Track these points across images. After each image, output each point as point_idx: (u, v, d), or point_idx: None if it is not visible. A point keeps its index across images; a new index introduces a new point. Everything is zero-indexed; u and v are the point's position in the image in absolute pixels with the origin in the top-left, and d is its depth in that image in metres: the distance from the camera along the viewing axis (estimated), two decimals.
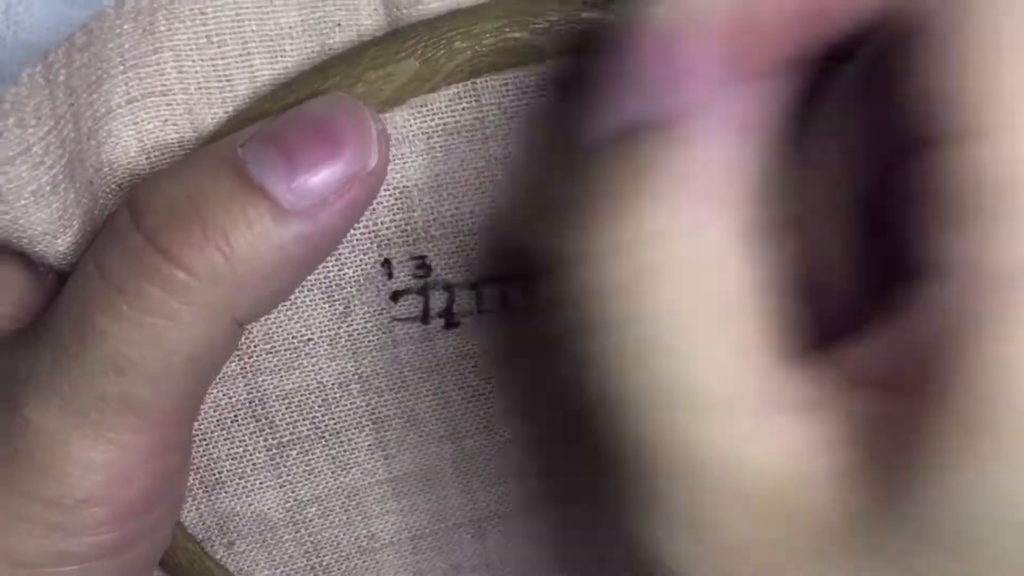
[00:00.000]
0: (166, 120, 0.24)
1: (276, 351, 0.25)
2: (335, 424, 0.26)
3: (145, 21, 0.23)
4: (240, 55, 0.24)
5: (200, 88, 0.24)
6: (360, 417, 0.26)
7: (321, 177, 0.22)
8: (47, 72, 0.21)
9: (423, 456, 0.27)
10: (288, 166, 0.21)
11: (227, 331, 0.22)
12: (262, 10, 0.24)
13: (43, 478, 0.22)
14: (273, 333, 0.25)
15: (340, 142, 0.22)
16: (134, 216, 0.21)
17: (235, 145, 0.22)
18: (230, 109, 0.24)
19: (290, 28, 0.24)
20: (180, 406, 0.23)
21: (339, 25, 0.24)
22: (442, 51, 0.23)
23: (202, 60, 0.23)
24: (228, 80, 0.24)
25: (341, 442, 0.27)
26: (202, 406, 0.25)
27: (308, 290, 0.25)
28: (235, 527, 0.27)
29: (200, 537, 0.27)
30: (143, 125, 0.23)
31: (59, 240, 0.22)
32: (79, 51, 0.21)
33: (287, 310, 0.25)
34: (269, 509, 0.27)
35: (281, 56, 0.24)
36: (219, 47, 0.24)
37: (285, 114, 0.22)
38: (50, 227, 0.22)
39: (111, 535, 0.23)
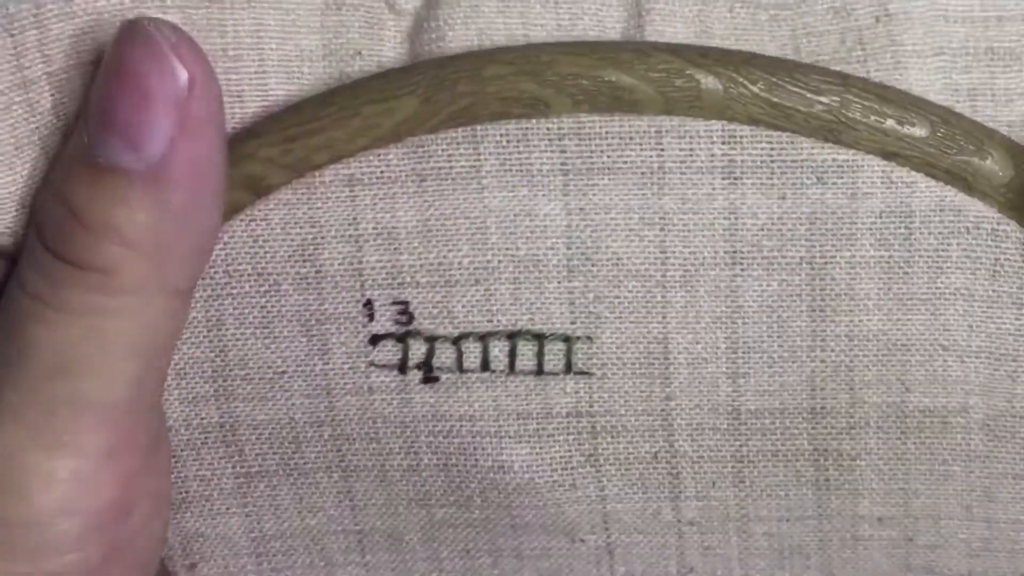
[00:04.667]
0: None
1: (250, 379, 0.25)
2: (304, 464, 0.25)
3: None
4: (255, 72, 0.23)
5: None
6: (330, 461, 0.25)
7: (152, 129, 0.21)
8: (9, 25, 0.21)
9: (391, 516, 0.26)
10: (124, 137, 0.21)
11: (165, 307, 0.22)
12: (284, 30, 0.23)
13: (6, 497, 0.21)
14: (248, 360, 0.24)
15: (146, 86, 0.21)
16: (37, 230, 0.22)
17: (82, 139, 0.22)
18: (237, 125, 0.24)
19: (311, 51, 0.24)
20: (133, 398, 0.22)
21: (359, 54, 0.24)
22: (445, 92, 0.22)
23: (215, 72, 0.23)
24: (239, 97, 0.23)
25: (309, 484, 0.25)
26: (172, 424, 0.25)
27: (287, 321, 0.24)
28: (198, 548, 0.26)
29: (163, 555, 0.26)
30: None
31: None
32: (57, 20, 0.22)
33: (264, 338, 0.24)
34: (234, 534, 0.26)
35: (298, 79, 0.24)
36: (235, 61, 0.23)
37: (102, 76, 0.21)
38: (11, 193, 0.22)
39: (87, 551, 0.22)
